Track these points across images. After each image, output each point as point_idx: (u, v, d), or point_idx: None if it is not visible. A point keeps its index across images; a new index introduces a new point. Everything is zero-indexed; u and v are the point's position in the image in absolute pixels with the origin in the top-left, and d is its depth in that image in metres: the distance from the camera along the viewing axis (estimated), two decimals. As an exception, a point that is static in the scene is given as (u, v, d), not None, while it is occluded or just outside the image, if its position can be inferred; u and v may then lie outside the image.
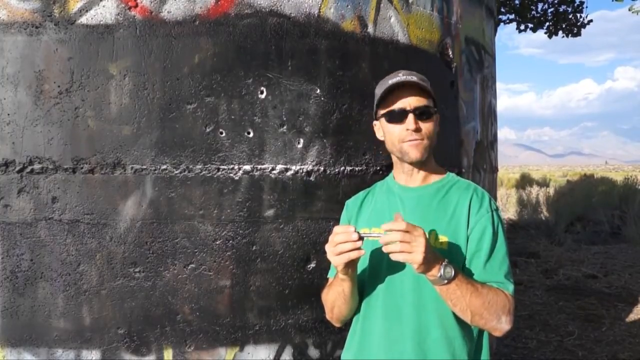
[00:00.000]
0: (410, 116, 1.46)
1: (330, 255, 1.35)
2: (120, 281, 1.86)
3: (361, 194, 1.68)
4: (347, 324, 1.62)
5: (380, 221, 1.43)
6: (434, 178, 1.56)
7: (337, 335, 2.07)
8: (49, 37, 1.83)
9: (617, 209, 10.53)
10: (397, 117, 1.48)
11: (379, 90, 1.54)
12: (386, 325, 1.47)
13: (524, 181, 18.40)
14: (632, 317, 5.11)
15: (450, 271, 1.31)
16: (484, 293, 1.37)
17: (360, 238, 1.31)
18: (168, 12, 1.86)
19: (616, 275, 6.62)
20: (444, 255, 1.38)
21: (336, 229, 1.35)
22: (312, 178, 2.00)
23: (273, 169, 1.95)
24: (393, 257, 1.28)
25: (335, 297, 1.51)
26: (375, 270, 1.50)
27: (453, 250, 1.44)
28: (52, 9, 1.83)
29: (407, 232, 1.26)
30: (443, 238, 1.46)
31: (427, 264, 1.28)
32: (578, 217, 10.31)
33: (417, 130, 1.46)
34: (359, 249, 1.31)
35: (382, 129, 1.55)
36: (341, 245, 1.31)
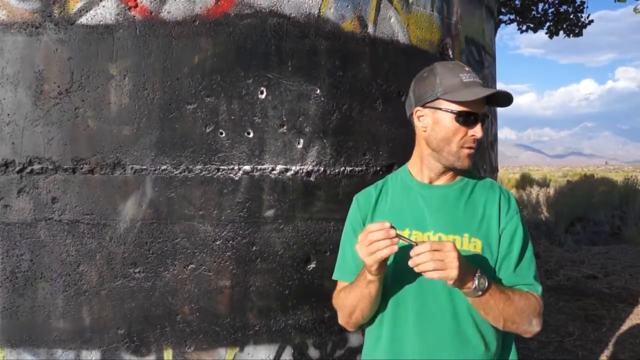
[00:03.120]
0: (479, 124, 1.38)
1: (363, 255, 1.26)
2: (120, 281, 1.86)
3: (371, 189, 1.56)
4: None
5: (400, 220, 1.39)
6: (457, 177, 1.48)
7: (337, 336, 2.07)
8: (49, 37, 1.83)
9: (618, 209, 10.52)
10: (467, 120, 1.37)
11: (448, 79, 1.38)
12: (420, 332, 1.40)
13: (524, 181, 18.39)
14: (632, 317, 5.11)
15: (484, 282, 1.27)
16: (516, 300, 1.33)
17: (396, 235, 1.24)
18: (168, 12, 1.86)
19: (616, 275, 6.61)
20: (479, 259, 1.35)
21: (371, 226, 1.25)
22: (312, 178, 2.00)
23: (273, 169, 1.95)
24: (427, 275, 1.22)
25: (358, 300, 1.42)
26: (400, 273, 1.42)
27: (487, 253, 1.40)
28: (52, 9, 1.83)
29: (436, 250, 1.21)
30: (476, 241, 1.39)
31: (462, 278, 1.23)
32: (578, 218, 10.31)
33: (479, 139, 1.39)
34: (393, 244, 1.23)
35: (434, 121, 1.40)
36: (377, 243, 1.23)
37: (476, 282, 1.26)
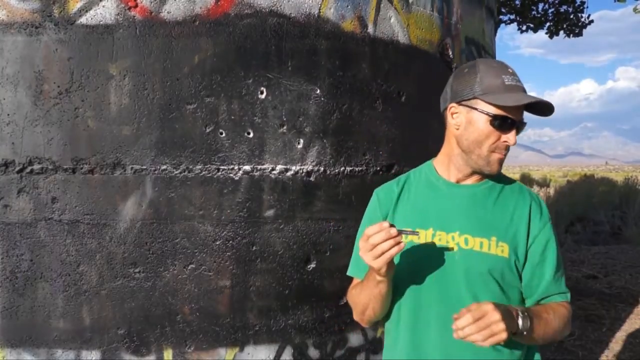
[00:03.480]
0: (514, 131, 1.31)
1: (369, 260, 1.22)
2: (120, 281, 1.86)
3: (393, 185, 1.49)
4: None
5: (424, 220, 1.36)
6: (485, 178, 1.42)
7: (337, 336, 2.07)
8: (49, 37, 1.82)
9: (618, 209, 10.52)
10: (503, 125, 1.30)
11: (489, 79, 1.31)
12: (444, 338, 1.34)
13: (524, 181, 18.39)
14: (632, 317, 5.11)
15: (527, 321, 1.23)
16: (553, 321, 1.31)
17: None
18: (168, 12, 1.86)
19: (617, 275, 6.61)
20: (505, 264, 1.32)
21: (369, 230, 1.21)
22: (312, 178, 2.00)
23: (273, 169, 1.95)
24: (479, 345, 1.16)
25: (369, 299, 1.39)
26: (417, 272, 1.37)
27: (512, 258, 1.35)
28: (52, 9, 1.83)
29: (478, 319, 1.14)
30: (504, 245, 1.34)
31: (510, 330, 1.17)
32: (578, 218, 10.31)
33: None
34: (399, 243, 1.20)
35: (468, 121, 1.34)
36: (380, 245, 1.18)
37: (521, 324, 1.22)
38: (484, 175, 1.40)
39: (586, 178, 18.76)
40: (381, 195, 1.49)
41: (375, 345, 2.17)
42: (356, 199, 2.08)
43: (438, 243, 1.35)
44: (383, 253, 1.19)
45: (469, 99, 1.33)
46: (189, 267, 1.89)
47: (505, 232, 1.35)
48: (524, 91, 1.31)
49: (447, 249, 1.35)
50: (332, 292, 2.05)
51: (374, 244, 1.19)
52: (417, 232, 1.23)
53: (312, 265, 2.01)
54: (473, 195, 1.39)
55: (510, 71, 1.33)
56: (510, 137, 1.31)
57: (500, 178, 1.43)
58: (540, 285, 1.37)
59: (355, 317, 1.51)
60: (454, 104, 1.37)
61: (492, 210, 1.37)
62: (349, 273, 1.54)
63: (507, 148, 1.34)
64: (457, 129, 1.37)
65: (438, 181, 1.43)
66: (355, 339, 2.11)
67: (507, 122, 1.30)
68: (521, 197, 1.40)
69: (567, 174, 31.59)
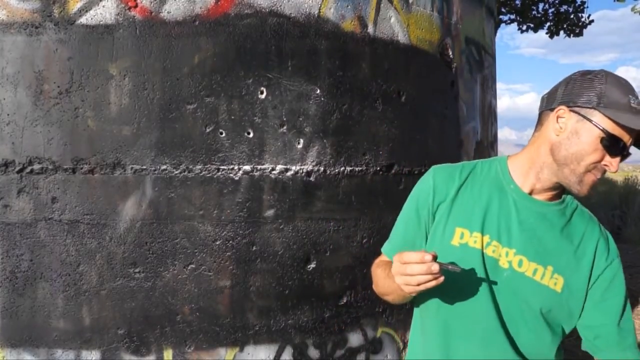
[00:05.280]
0: (619, 157, 1.18)
1: (401, 283, 1.11)
2: (120, 281, 1.86)
3: (455, 173, 1.31)
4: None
5: (484, 224, 1.24)
6: (560, 196, 1.28)
7: (337, 336, 2.07)
8: (49, 37, 1.82)
9: (617, 209, 10.50)
10: (613, 147, 1.15)
11: (615, 94, 1.16)
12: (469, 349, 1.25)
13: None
14: (632, 317, 5.09)
15: None
16: None
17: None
18: (168, 12, 1.86)
19: (616, 275, 6.60)
20: (555, 299, 1.21)
21: (408, 256, 1.09)
22: (312, 178, 2.00)
23: (273, 169, 1.95)
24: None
25: (392, 291, 1.28)
26: (450, 292, 1.25)
27: (565, 293, 1.22)
28: (52, 9, 1.83)
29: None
30: (559, 278, 1.22)
31: None
32: (578, 218, 10.27)
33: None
34: (438, 278, 1.08)
35: (574, 131, 1.18)
36: (417, 277, 1.08)
37: None
38: (560, 194, 1.27)
39: (586, 178, 18.68)
40: (439, 180, 1.30)
41: (375, 345, 2.17)
42: (356, 199, 2.08)
43: (490, 254, 1.23)
44: (419, 284, 1.09)
45: (585, 108, 1.16)
46: (189, 267, 1.89)
47: (564, 264, 1.22)
48: None
49: (498, 263, 1.23)
50: (332, 292, 2.05)
51: (411, 274, 1.08)
52: (459, 269, 1.10)
53: (312, 265, 2.01)
54: (542, 215, 1.25)
55: (637, 94, 1.18)
56: (613, 162, 1.17)
57: (573, 202, 1.31)
58: (599, 325, 1.24)
59: (374, 289, 1.40)
60: (563, 107, 1.19)
61: (558, 238, 1.24)
62: (382, 249, 1.42)
63: (604, 172, 1.20)
64: (558, 135, 1.20)
65: (509, 186, 1.27)
66: (355, 339, 2.11)
67: (618, 144, 1.15)
68: (589, 229, 1.27)
69: (567, 174, 31.47)
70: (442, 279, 1.07)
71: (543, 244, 1.23)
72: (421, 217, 1.30)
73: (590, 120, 1.16)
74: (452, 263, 1.11)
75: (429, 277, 1.06)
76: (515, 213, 1.24)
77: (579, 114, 1.18)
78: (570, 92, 1.20)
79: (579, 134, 1.17)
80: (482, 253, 1.22)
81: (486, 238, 1.23)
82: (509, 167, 1.29)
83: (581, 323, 1.26)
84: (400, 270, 1.10)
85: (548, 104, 1.25)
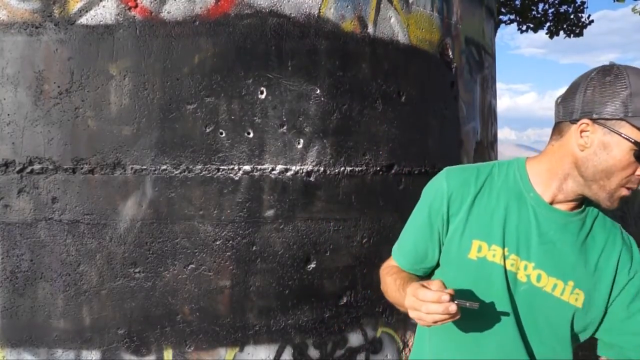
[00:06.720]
0: None
1: (416, 318, 1.06)
2: (120, 281, 1.86)
3: (470, 179, 1.22)
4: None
5: (501, 235, 1.17)
6: (578, 207, 1.20)
7: (337, 336, 2.07)
8: (49, 37, 1.83)
9: (617, 209, 10.48)
10: None
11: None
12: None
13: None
14: None
15: None
16: None
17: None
18: (168, 12, 1.86)
19: (617, 275, 6.59)
20: (575, 315, 1.15)
21: (423, 294, 1.02)
22: (312, 178, 2.00)
23: (273, 169, 1.95)
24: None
25: (402, 305, 1.19)
26: (469, 288, 1.19)
27: (585, 308, 1.16)
28: (52, 9, 1.83)
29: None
30: (580, 293, 1.15)
31: None
32: (578, 218, 10.27)
33: None
34: (455, 316, 1.02)
35: (602, 145, 1.08)
36: (433, 315, 1.02)
37: None
38: (581, 203, 1.19)
39: (586, 178, 18.67)
40: (453, 186, 1.21)
41: (375, 345, 2.17)
42: (356, 199, 2.08)
43: (509, 267, 1.17)
44: (434, 322, 1.03)
45: (611, 119, 1.05)
46: (189, 267, 1.89)
47: (586, 278, 1.16)
48: None
49: (516, 276, 1.17)
50: (332, 292, 2.05)
51: (427, 313, 1.02)
52: (477, 304, 1.04)
53: (312, 265, 2.02)
54: (564, 226, 1.17)
55: None
56: None
57: (594, 210, 1.22)
58: (625, 344, 1.17)
59: (382, 292, 1.36)
60: (587, 121, 1.08)
61: (578, 250, 1.17)
62: (393, 255, 1.37)
63: (639, 184, 1.10)
64: (582, 150, 1.10)
65: (529, 194, 1.18)
66: (355, 339, 2.11)
67: None
68: (611, 240, 1.19)
69: (567, 174, 31.46)
70: (458, 317, 1.02)
71: (563, 258, 1.15)
72: (433, 224, 1.24)
73: (619, 134, 1.05)
74: (472, 303, 1.05)
75: (446, 316, 1.01)
76: (535, 224, 1.17)
77: (605, 126, 1.06)
78: (592, 101, 1.08)
79: (609, 149, 1.06)
80: (502, 267, 1.16)
81: (505, 251, 1.17)
82: (528, 174, 1.20)
83: (607, 340, 1.21)
84: (415, 306, 1.04)
85: (566, 113, 1.13)
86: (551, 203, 1.18)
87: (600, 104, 1.06)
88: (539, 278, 1.16)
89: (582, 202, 1.19)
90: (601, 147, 1.07)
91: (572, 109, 1.11)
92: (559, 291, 1.16)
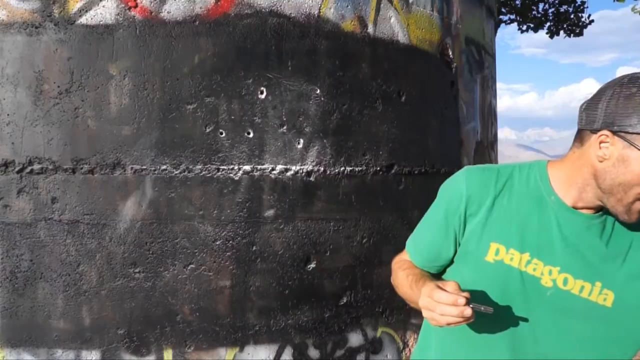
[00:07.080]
0: None
1: (430, 319, 1.06)
2: (120, 281, 1.86)
3: (490, 182, 1.20)
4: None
5: (522, 240, 1.15)
6: (600, 210, 1.16)
7: (337, 336, 2.07)
8: (49, 37, 1.82)
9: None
10: None
11: None
12: None
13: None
14: None
15: None
16: None
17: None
18: (168, 12, 1.86)
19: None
20: (606, 316, 1.12)
21: (439, 296, 1.02)
22: (312, 178, 2.00)
23: (273, 169, 1.95)
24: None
25: (413, 302, 1.20)
26: (492, 294, 1.18)
27: (617, 309, 1.13)
28: (52, 9, 1.83)
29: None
30: (609, 293, 1.13)
31: None
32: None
33: None
34: (469, 319, 1.02)
35: (621, 159, 1.05)
36: (448, 317, 1.02)
37: None
38: (602, 206, 1.15)
39: (586, 178, 18.66)
40: (473, 187, 1.20)
41: (375, 345, 2.17)
42: (356, 199, 2.08)
43: (531, 272, 1.15)
44: (448, 324, 1.03)
45: (631, 133, 1.02)
46: (189, 267, 1.89)
47: (613, 277, 1.13)
48: None
49: (540, 282, 1.15)
50: (332, 292, 2.05)
51: (441, 314, 1.02)
52: (492, 309, 1.04)
53: (312, 265, 2.01)
54: (588, 228, 1.15)
55: None
56: None
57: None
58: None
59: (393, 285, 1.36)
60: (607, 132, 1.05)
61: (603, 251, 1.14)
62: (407, 249, 1.36)
63: None
64: (601, 162, 1.08)
65: (550, 197, 1.16)
66: (355, 339, 2.11)
67: None
68: (637, 237, 1.16)
69: (568, 174, 31.47)
70: (472, 320, 1.01)
71: (588, 260, 1.13)
72: (450, 225, 1.22)
73: (638, 149, 1.02)
74: (487, 308, 1.05)
75: (460, 319, 1.00)
76: (557, 228, 1.14)
77: (626, 140, 1.03)
78: (614, 112, 1.04)
79: (628, 163, 1.04)
80: (519, 271, 1.15)
81: (525, 256, 1.15)
82: (550, 177, 1.18)
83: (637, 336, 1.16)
84: (429, 306, 1.03)
85: (589, 122, 1.10)
86: (572, 207, 1.15)
87: (623, 116, 1.03)
88: (565, 282, 1.14)
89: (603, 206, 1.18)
90: (620, 160, 1.05)
91: (594, 117, 1.08)
92: (587, 292, 1.14)
